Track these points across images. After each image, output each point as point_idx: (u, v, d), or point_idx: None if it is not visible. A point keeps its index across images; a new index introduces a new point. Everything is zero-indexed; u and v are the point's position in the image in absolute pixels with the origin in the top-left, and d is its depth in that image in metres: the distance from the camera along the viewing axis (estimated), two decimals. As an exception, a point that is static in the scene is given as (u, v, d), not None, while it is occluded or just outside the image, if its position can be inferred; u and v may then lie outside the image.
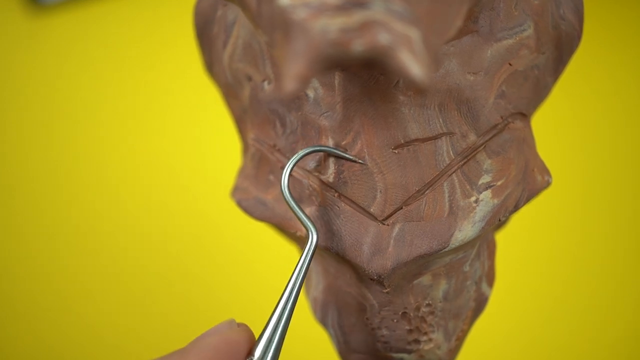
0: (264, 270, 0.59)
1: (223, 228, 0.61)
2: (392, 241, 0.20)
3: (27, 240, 0.62)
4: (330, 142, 0.20)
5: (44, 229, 0.62)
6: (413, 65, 0.14)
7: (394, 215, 0.20)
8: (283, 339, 0.19)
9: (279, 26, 0.15)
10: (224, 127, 0.67)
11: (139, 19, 0.75)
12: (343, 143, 0.19)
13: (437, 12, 0.16)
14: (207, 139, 0.66)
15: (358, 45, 0.14)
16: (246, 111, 0.22)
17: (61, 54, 0.73)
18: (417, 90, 0.19)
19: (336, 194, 0.20)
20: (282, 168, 0.21)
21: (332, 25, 0.14)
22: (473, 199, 0.20)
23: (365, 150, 0.19)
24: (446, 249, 0.20)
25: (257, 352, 0.19)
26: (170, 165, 0.66)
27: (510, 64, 0.20)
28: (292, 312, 0.19)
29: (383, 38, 0.14)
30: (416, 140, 0.19)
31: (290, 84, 0.15)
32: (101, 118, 0.69)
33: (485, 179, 0.20)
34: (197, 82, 0.69)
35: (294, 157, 0.20)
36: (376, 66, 0.15)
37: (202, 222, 0.62)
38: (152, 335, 0.57)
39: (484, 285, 0.22)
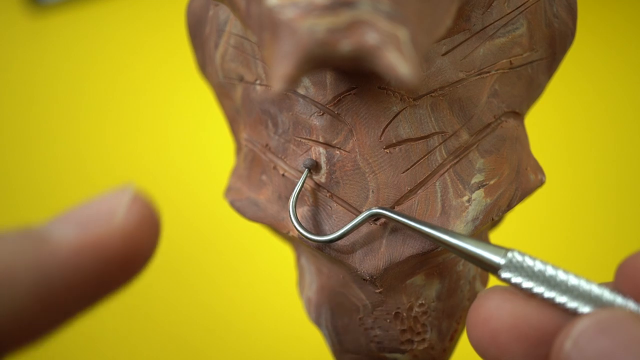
0: (261, 268, 0.59)
1: (218, 228, 0.61)
2: (384, 241, 0.19)
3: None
4: (322, 142, 0.20)
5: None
6: (401, 64, 0.14)
7: (386, 215, 0.20)
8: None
9: (267, 26, 0.15)
10: (221, 127, 0.67)
11: (138, 19, 0.75)
12: (334, 142, 0.19)
13: (426, 11, 0.16)
14: (203, 138, 0.66)
15: (345, 45, 0.14)
16: (239, 111, 0.22)
17: (61, 54, 0.73)
18: (407, 89, 0.19)
19: (328, 194, 0.20)
20: (275, 168, 0.21)
21: (319, 25, 0.14)
22: (465, 198, 0.20)
23: (357, 149, 0.19)
24: (438, 249, 0.19)
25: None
26: (170, 163, 0.66)
27: (511, 62, 0.20)
28: None
29: (370, 38, 0.14)
30: (408, 139, 0.19)
31: (278, 84, 0.15)
32: (101, 117, 0.69)
33: (477, 178, 0.20)
34: (197, 82, 0.69)
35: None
36: (364, 66, 0.15)
37: (196, 222, 0.62)
38: (153, 334, 0.57)
39: (478, 285, 0.22)
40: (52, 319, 0.14)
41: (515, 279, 0.17)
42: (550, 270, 0.17)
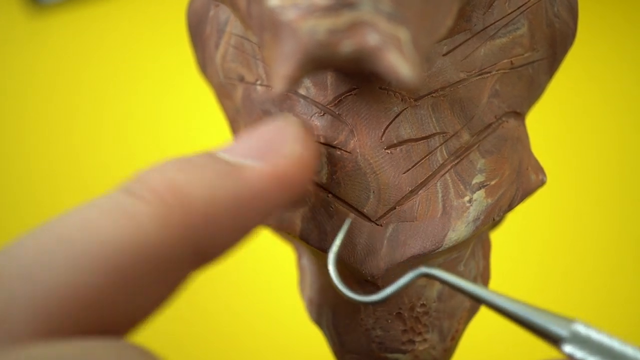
0: (263, 268, 0.59)
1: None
2: (385, 241, 0.19)
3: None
4: (323, 142, 0.20)
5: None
6: (402, 65, 0.14)
7: (387, 216, 0.20)
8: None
9: (268, 27, 0.15)
10: (222, 127, 0.67)
11: (138, 19, 0.75)
12: (335, 142, 0.19)
13: (428, 11, 0.16)
14: (205, 138, 0.66)
15: (346, 46, 0.14)
16: (239, 112, 0.22)
17: (61, 54, 0.73)
18: (408, 90, 0.19)
19: (329, 195, 0.20)
20: None
21: (320, 26, 0.14)
22: (466, 198, 0.20)
23: (358, 150, 0.19)
24: (440, 249, 0.19)
25: None
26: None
27: (512, 62, 0.20)
28: None
29: (372, 39, 0.14)
30: (409, 140, 0.19)
31: (279, 85, 0.15)
32: (101, 117, 0.69)
33: (478, 178, 0.20)
34: (196, 82, 0.69)
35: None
36: (365, 67, 0.15)
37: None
38: (152, 334, 0.57)
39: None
40: (239, 238, 0.16)
41: (580, 354, 0.16)
42: (618, 346, 0.16)
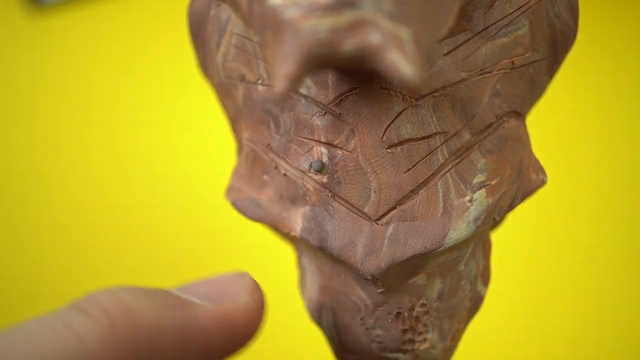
0: (262, 268, 0.59)
1: (220, 227, 0.61)
2: (386, 241, 0.20)
3: (27, 240, 0.63)
4: (323, 141, 0.20)
5: (43, 229, 0.62)
6: (403, 64, 0.14)
7: (388, 215, 0.20)
8: None
9: (269, 26, 0.15)
10: (222, 126, 0.67)
11: (138, 19, 0.75)
12: (336, 142, 0.19)
13: (429, 11, 0.16)
14: (205, 138, 0.66)
15: (348, 45, 0.14)
16: (240, 111, 0.22)
17: (61, 54, 0.73)
18: (409, 90, 0.19)
19: (330, 194, 0.20)
20: (276, 168, 0.21)
21: (322, 25, 0.14)
22: (467, 198, 0.20)
23: (358, 149, 0.19)
24: (440, 249, 0.19)
25: None
26: (171, 163, 0.66)
27: (512, 62, 0.20)
28: None
29: (373, 38, 0.14)
30: (410, 139, 0.19)
31: (281, 84, 0.15)
32: (101, 117, 0.69)
33: (479, 178, 0.20)
34: (196, 82, 0.69)
35: None
36: (367, 66, 0.15)
37: (198, 222, 0.62)
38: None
39: (479, 285, 0.22)
40: None
41: None
42: None
